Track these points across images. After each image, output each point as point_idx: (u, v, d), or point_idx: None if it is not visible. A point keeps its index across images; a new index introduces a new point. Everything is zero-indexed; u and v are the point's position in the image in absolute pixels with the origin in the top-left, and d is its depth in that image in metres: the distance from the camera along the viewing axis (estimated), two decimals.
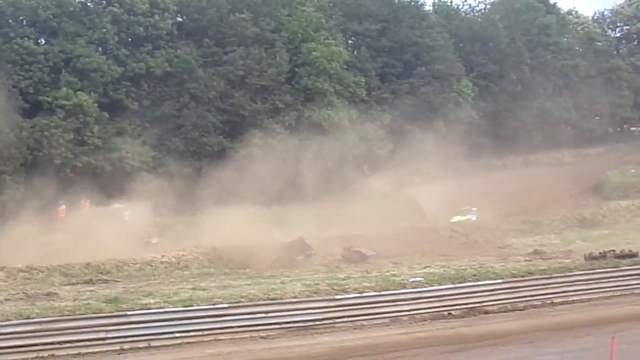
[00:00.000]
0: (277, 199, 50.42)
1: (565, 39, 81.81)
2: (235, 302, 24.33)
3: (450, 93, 68.16)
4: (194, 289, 28.27)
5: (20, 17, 57.19)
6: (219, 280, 31.05)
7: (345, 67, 63.94)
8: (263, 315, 24.00)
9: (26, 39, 55.33)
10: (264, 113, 59.63)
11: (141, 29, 58.68)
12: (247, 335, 23.36)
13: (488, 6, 79.66)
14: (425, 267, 33.00)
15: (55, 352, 21.15)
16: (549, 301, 27.86)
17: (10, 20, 56.74)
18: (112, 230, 39.73)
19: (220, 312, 23.54)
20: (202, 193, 48.29)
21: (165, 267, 35.41)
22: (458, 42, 72.28)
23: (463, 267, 31.70)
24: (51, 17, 56.46)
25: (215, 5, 61.12)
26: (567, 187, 59.84)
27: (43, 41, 57.42)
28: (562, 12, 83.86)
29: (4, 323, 21.39)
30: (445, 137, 59.85)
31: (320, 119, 60.31)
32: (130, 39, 59.52)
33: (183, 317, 23.11)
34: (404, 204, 52.68)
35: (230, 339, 22.98)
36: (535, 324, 25.20)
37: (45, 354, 21.06)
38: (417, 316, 25.70)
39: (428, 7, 74.30)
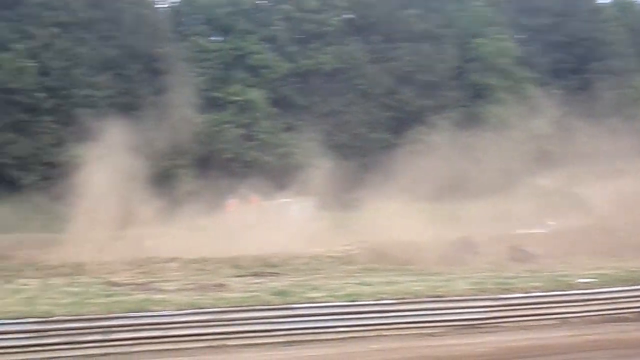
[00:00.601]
0: (442, 196, 49.81)
1: None
2: (400, 299, 24.29)
3: (626, 89, 65.85)
4: (359, 284, 28.31)
5: (196, 15, 59.21)
6: (384, 276, 30.95)
7: (515, 62, 62.88)
8: (428, 312, 23.85)
9: (201, 36, 57.28)
10: (431, 109, 59.32)
11: (311, 25, 59.60)
12: (411, 331, 23.25)
13: None
14: (595, 268, 31.95)
15: (226, 342, 21.69)
16: None
17: (185, 19, 58.88)
18: (279, 224, 40.50)
19: (385, 308, 23.53)
20: (367, 188, 48.41)
21: (331, 262, 35.67)
22: (635, 36, 69.77)
23: (636, 269, 30.50)
24: (225, 15, 58.19)
25: (385, 1, 61.29)
26: None
27: (218, 38, 59.23)
28: None
29: (178, 312, 22.13)
30: (620, 134, 57.65)
31: (489, 115, 59.44)
32: (300, 36, 60.52)
33: (348, 312, 23.24)
34: (573, 203, 51.13)
35: (394, 334, 22.94)
36: None
37: (216, 343, 21.60)
38: (587, 318, 24.95)
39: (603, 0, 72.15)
